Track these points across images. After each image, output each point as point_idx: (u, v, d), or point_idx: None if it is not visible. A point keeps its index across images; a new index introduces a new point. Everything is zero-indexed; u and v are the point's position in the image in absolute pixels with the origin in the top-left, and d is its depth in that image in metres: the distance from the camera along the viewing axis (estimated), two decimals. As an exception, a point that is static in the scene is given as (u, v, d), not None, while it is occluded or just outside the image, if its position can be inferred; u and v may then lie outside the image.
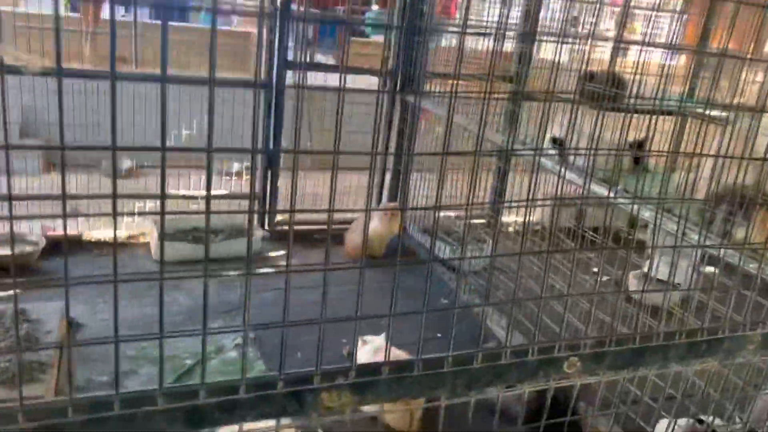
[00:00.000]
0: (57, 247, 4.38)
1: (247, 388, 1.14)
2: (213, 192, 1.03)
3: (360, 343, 3.27)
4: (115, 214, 0.98)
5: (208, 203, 1.04)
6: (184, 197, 4.63)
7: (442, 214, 5.08)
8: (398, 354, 3.24)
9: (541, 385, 1.42)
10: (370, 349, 3.23)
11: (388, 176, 5.37)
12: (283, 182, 4.81)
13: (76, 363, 3.07)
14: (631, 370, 1.50)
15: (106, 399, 0.99)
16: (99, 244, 4.53)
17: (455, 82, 2.27)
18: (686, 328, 1.49)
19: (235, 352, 3.30)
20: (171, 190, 4.86)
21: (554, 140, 3.34)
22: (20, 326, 3.00)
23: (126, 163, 6.09)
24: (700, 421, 2.71)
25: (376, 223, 4.85)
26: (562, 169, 3.14)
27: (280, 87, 4.61)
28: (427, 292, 1.27)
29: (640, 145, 2.91)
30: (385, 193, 5.39)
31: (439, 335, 3.68)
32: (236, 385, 1.11)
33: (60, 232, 4.47)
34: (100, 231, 4.60)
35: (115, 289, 0.99)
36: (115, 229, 1.04)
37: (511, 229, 5.25)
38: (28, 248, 4.20)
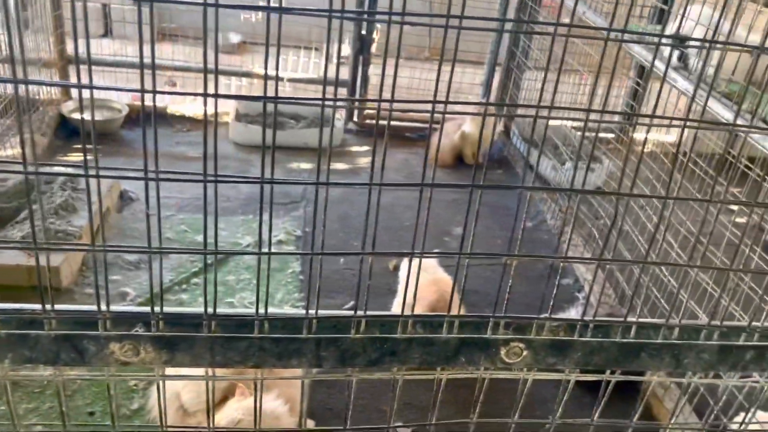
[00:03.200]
0: (146, 117, 4.33)
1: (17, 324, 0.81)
2: (301, 75, 0.68)
3: (406, 259, 2.90)
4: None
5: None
6: (267, 77, 4.34)
7: (555, 122, 4.40)
8: (441, 278, 2.83)
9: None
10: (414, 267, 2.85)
11: (498, 75, 4.71)
12: (374, 71, 4.36)
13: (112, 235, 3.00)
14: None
15: None
16: (182, 119, 4.43)
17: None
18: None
19: (275, 248, 3.06)
20: (262, 69, 4.59)
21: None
22: (62, 193, 2.94)
23: (234, 38, 5.91)
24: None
25: (468, 127, 4.30)
26: (680, 77, 2.42)
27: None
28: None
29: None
30: (494, 93, 4.76)
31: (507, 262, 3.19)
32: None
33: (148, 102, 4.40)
34: (184, 105, 4.49)
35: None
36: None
37: (646, 148, 4.44)
38: (111, 115, 4.18)
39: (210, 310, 0.85)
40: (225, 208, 3.41)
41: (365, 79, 4.41)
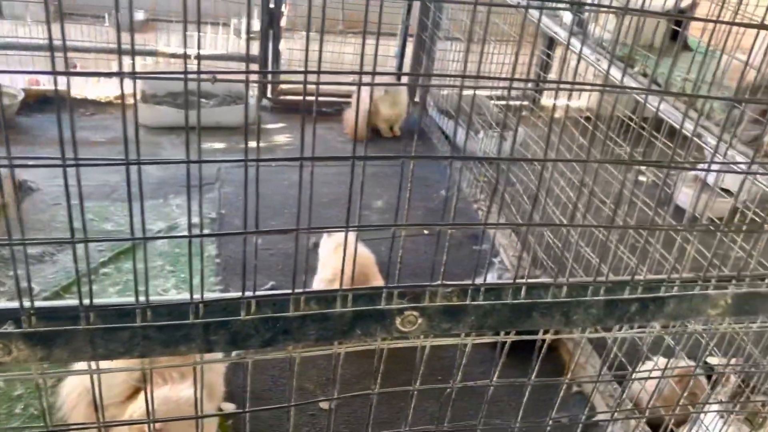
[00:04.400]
0: (44, 101, 4.10)
1: None
2: (210, 52, 0.60)
3: (325, 236, 2.88)
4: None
5: None
6: (174, 56, 4.19)
7: (468, 92, 4.46)
8: (361, 252, 2.84)
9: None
10: (332, 244, 2.84)
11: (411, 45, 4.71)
12: (286, 45, 4.27)
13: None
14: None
15: None
16: (84, 103, 4.21)
17: None
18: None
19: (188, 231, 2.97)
20: (165, 47, 4.42)
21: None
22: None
23: (139, 14, 5.64)
24: (708, 365, 2.23)
25: (383, 101, 4.29)
26: (574, 39, 2.49)
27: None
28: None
29: (680, 13, 2.20)
30: (408, 63, 4.76)
31: (426, 232, 3.24)
32: None
33: (45, 86, 4.16)
34: (87, 89, 4.27)
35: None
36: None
37: (559, 114, 4.56)
38: (7, 101, 3.92)
39: (86, 301, 0.81)
40: (135, 194, 3.27)
41: (276, 55, 4.31)
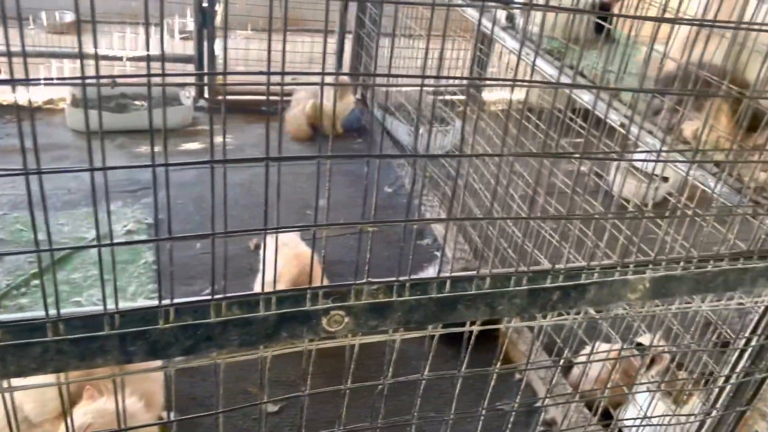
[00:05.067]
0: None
1: None
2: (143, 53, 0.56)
3: (268, 237, 2.85)
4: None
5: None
6: (106, 58, 4.06)
7: (407, 89, 4.48)
8: (304, 252, 2.82)
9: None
10: (275, 245, 2.82)
11: (350, 43, 4.70)
12: (221, 45, 4.20)
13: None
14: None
15: None
16: (8, 108, 4.04)
17: None
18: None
19: (124, 238, 2.89)
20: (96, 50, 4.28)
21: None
22: None
23: (67, 16, 5.45)
24: (640, 345, 2.31)
25: (318, 99, 4.26)
26: (509, 35, 2.53)
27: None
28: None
29: (604, 8, 2.27)
30: (347, 62, 4.75)
31: (370, 229, 3.24)
32: None
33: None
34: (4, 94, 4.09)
35: None
36: None
37: (494, 108, 4.62)
38: None
39: (-8, 318, 0.78)
40: (67, 201, 3.17)
41: (212, 54, 4.24)
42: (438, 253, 3.22)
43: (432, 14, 1.00)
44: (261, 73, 0.85)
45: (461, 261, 2.90)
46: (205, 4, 4.04)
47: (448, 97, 4.30)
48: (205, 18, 4.10)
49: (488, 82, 4.01)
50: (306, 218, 3.27)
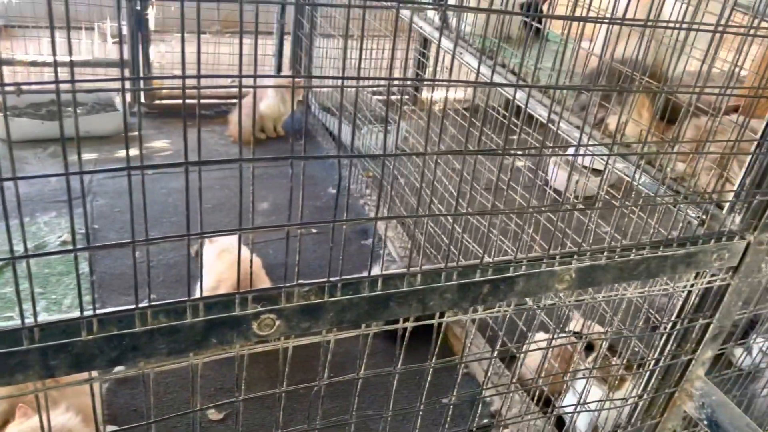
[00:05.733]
0: None
1: None
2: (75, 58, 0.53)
3: (207, 242, 2.81)
4: None
5: None
6: (34, 63, 3.93)
7: (350, 89, 4.48)
8: (244, 256, 2.79)
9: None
10: (216, 250, 2.78)
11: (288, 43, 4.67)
12: (156, 49, 4.12)
13: None
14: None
15: None
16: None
17: None
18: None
19: (59, 249, 2.80)
20: (24, 55, 4.14)
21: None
22: None
23: (-6, 22, 5.23)
24: (577, 334, 2.37)
25: (267, 101, 4.23)
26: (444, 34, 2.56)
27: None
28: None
29: (534, 6, 2.33)
30: (286, 62, 4.72)
31: (314, 231, 3.23)
32: None
33: None
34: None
35: None
36: None
37: (437, 107, 4.67)
38: None
39: None
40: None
41: (147, 58, 4.14)
42: (383, 252, 3.24)
43: (363, 15, 1.01)
44: (230, 76, 0.84)
45: (406, 259, 2.93)
46: (137, 8, 3.95)
47: (382, 97, 4.32)
48: (139, 22, 4.00)
49: (425, 82, 4.07)
50: (249, 222, 3.23)
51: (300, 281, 0.98)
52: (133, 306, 0.86)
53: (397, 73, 4.39)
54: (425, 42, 4.26)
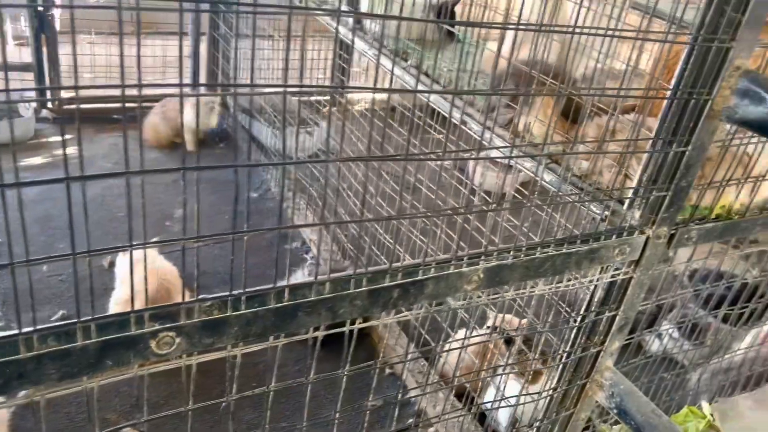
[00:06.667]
0: None
1: None
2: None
3: (121, 254, 2.70)
4: None
5: None
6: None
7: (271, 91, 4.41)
8: (164, 267, 2.71)
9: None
10: (129, 260, 2.68)
11: (205, 45, 4.56)
12: (64, 52, 3.92)
13: None
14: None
15: None
16: None
17: None
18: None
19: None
20: None
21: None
22: None
23: None
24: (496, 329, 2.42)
25: (189, 115, 4.08)
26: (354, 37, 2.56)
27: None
28: None
29: (448, 10, 2.36)
30: (203, 66, 4.60)
31: (196, 244, 3.15)
32: None
33: None
34: None
35: None
36: None
37: (358, 108, 4.66)
38: None
39: None
40: None
41: (54, 61, 3.95)
42: (307, 256, 3.21)
43: (289, 20, 0.99)
44: (172, 85, 0.80)
45: (331, 262, 2.91)
46: (40, 8, 3.75)
47: (308, 99, 4.29)
48: (42, 24, 3.80)
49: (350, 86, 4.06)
50: (165, 230, 3.13)
51: (202, 296, 0.95)
52: (17, 331, 0.81)
53: (321, 74, 4.37)
54: (341, 44, 4.24)
